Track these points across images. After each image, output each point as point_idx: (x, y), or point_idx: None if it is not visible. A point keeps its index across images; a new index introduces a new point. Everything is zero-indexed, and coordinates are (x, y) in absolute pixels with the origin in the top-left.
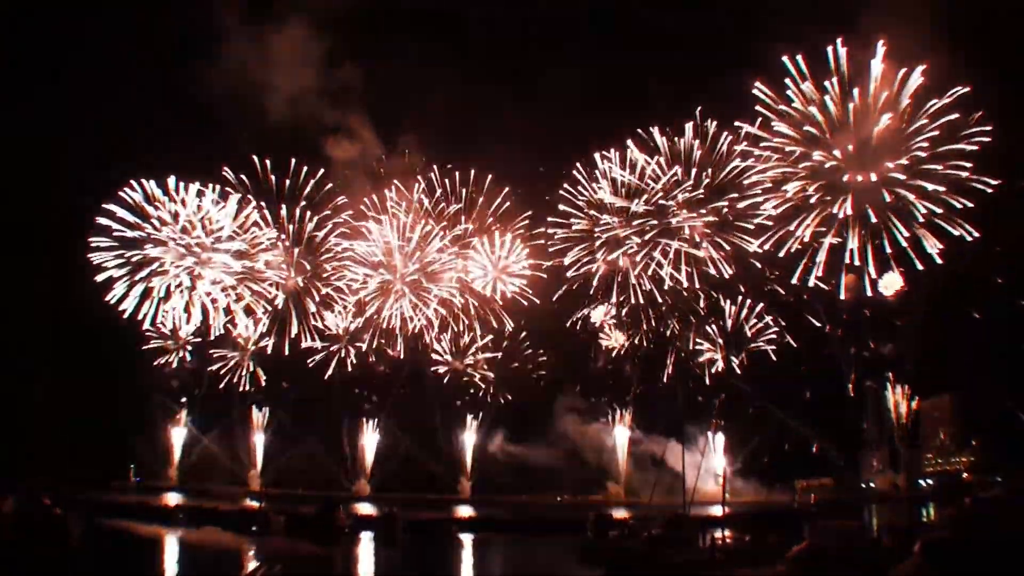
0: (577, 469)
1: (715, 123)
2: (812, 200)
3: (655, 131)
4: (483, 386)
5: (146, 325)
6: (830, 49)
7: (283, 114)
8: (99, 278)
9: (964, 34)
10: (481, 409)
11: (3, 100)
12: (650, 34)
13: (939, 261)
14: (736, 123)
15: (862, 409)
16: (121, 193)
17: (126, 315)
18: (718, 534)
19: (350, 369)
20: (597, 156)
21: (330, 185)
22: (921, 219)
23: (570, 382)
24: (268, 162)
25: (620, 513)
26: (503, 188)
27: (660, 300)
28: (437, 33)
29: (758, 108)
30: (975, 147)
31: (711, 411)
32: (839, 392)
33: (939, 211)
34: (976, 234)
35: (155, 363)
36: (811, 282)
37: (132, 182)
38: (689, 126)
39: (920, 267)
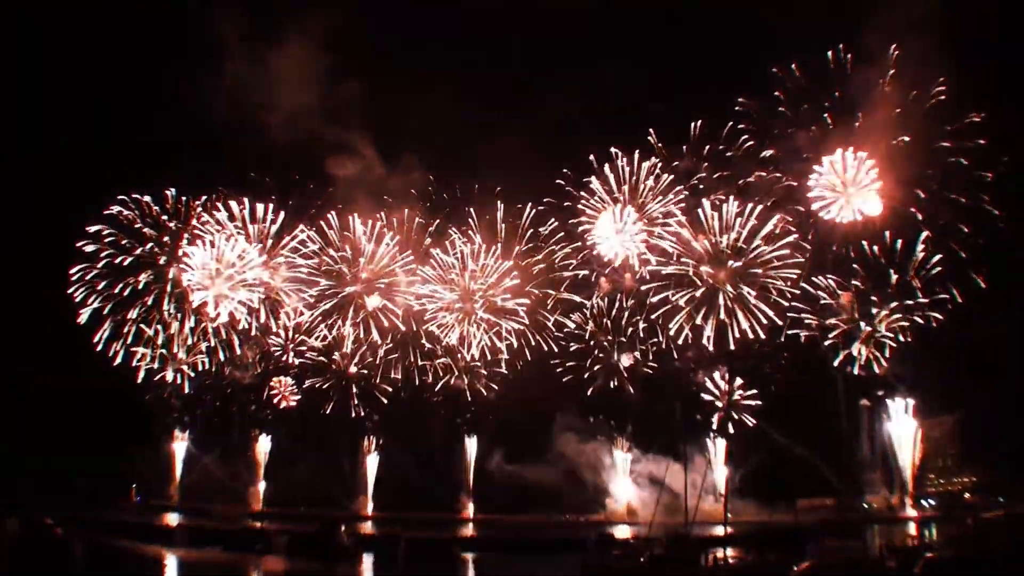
0: (575, 488)
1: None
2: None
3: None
4: (485, 396)
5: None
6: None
7: (284, 132)
8: (82, 318)
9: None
10: (480, 428)
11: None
12: (651, 51)
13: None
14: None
15: (857, 428)
16: (114, 209)
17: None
18: (720, 553)
19: (352, 392)
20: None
21: (341, 206)
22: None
23: (568, 401)
24: (268, 180)
25: (622, 532)
26: (502, 205)
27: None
28: (437, 49)
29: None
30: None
31: (709, 430)
32: (835, 411)
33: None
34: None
35: (152, 392)
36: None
37: (123, 197)
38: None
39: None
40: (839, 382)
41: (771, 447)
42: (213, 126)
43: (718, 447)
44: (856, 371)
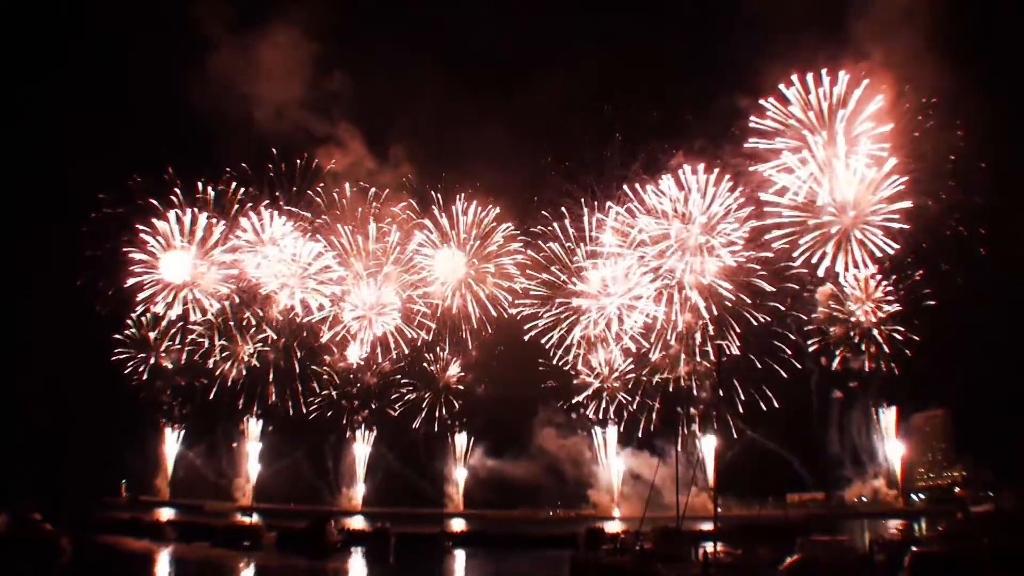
0: (557, 483)
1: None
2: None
3: None
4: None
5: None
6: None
7: (271, 125)
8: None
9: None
10: (466, 423)
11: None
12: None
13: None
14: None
15: (830, 422)
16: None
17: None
18: (709, 548)
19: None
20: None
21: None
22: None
23: (551, 397)
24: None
25: (612, 527)
26: (489, 200)
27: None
28: (424, 45)
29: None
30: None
31: (688, 425)
32: (810, 407)
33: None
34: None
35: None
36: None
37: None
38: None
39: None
40: (815, 375)
41: (748, 443)
42: (200, 118)
43: (703, 442)
44: (834, 366)
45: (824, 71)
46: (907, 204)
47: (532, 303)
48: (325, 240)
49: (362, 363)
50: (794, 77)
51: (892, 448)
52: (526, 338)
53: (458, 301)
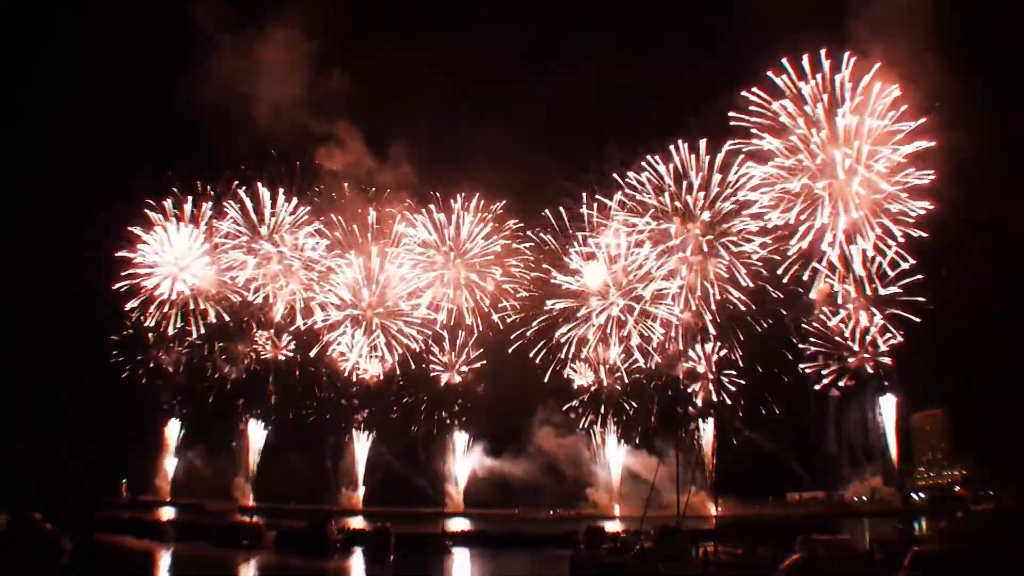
0: (556, 482)
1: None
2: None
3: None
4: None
5: None
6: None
7: (271, 124)
8: None
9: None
10: (463, 423)
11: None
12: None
13: None
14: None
15: (829, 422)
16: None
17: None
18: (710, 547)
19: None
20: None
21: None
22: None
23: (549, 396)
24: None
25: (612, 526)
26: (491, 200)
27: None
28: (423, 44)
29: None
30: None
31: (687, 423)
32: (807, 405)
33: None
34: None
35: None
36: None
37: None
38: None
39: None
40: (812, 373)
41: (747, 443)
42: (200, 118)
43: (704, 440)
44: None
45: (823, 52)
46: (928, 205)
47: (531, 303)
48: (324, 239)
49: (361, 363)
50: (784, 61)
51: (891, 447)
52: (525, 338)
53: (459, 301)
